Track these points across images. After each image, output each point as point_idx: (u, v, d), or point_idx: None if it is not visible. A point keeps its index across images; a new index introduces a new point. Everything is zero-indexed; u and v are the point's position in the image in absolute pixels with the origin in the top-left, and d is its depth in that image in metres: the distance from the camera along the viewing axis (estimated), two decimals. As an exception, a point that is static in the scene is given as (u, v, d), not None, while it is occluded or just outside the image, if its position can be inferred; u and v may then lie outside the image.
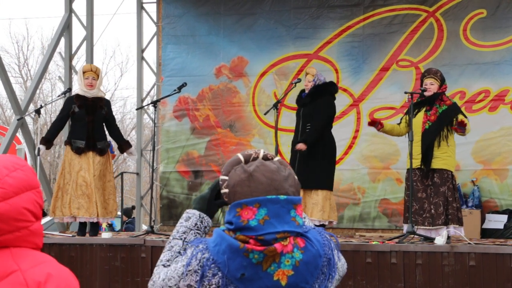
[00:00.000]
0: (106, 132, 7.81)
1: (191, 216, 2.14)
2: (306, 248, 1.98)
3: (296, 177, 2.06)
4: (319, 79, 7.48)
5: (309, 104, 7.41)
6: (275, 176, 1.99)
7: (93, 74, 7.61)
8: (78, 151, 7.45)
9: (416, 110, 6.96)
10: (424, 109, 6.92)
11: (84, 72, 7.62)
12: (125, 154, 8.10)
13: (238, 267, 1.93)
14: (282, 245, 1.93)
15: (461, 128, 6.69)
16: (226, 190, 2.02)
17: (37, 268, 1.71)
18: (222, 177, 2.04)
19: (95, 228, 7.64)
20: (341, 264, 2.16)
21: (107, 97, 8.21)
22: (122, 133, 8.27)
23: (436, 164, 6.79)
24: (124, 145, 7.78)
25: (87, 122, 7.51)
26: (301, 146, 7.26)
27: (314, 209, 7.26)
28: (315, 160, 7.30)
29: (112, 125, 7.78)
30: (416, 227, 6.70)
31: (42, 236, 1.78)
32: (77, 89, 8.02)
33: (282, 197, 1.96)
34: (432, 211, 6.71)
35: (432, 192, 6.78)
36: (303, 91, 7.63)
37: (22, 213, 1.72)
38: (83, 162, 7.47)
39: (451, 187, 6.77)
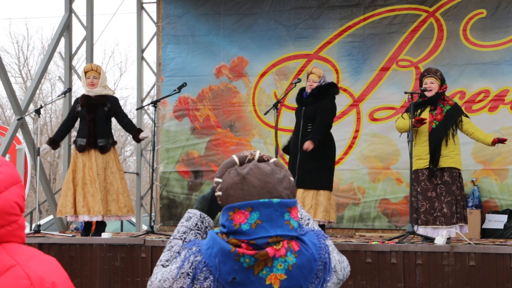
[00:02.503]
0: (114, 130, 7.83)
1: (192, 216, 2.12)
2: (301, 252, 1.94)
3: (292, 178, 2.02)
4: (325, 80, 7.51)
5: (312, 105, 7.40)
6: (269, 178, 1.95)
7: (94, 73, 7.65)
8: (80, 149, 7.53)
9: (419, 110, 6.94)
10: (428, 108, 6.90)
11: (85, 72, 7.68)
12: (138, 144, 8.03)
13: (229, 271, 1.90)
14: (274, 249, 1.90)
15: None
16: (219, 193, 1.99)
17: (33, 261, 1.72)
18: (216, 179, 2.02)
19: (100, 227, 7.63)
20: (342, 267, 2.08)
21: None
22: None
23: (445, 163, 6.79)
24: (136, 134, 7.67)
25: (88, 120, 7.55)
26: (308, 145, 7.21)
27: (318, 210, 7.30)
28: (317, 161, 7.32)
29: (123, 120, 7.76)
30: (427, 226, 6.73)
31: (25, 230, 1.80)
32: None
33: (275, 200, 1.92)
34: (445, 210, 6.70)
35: (443, 191, 6.77)
36: (303, 89, 7.61)
37: (13, 207, 1.74)
38: (86, 160, 7.53)
39: (459, 186, 6.81)
